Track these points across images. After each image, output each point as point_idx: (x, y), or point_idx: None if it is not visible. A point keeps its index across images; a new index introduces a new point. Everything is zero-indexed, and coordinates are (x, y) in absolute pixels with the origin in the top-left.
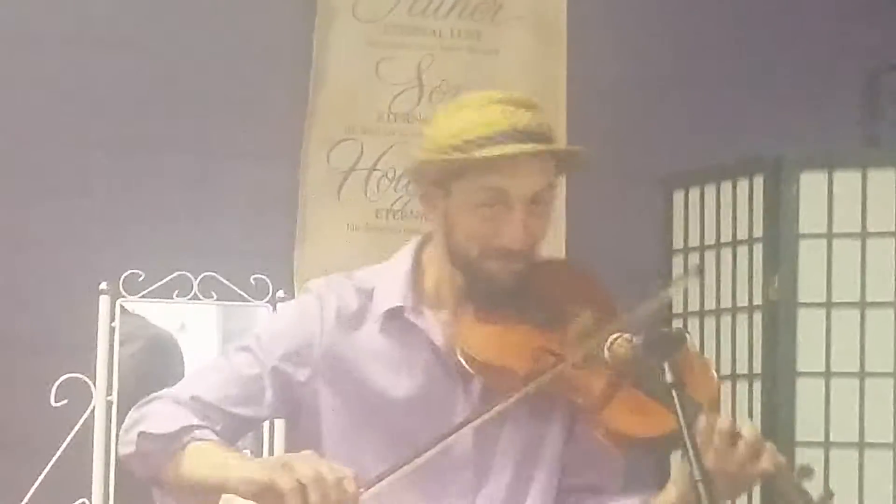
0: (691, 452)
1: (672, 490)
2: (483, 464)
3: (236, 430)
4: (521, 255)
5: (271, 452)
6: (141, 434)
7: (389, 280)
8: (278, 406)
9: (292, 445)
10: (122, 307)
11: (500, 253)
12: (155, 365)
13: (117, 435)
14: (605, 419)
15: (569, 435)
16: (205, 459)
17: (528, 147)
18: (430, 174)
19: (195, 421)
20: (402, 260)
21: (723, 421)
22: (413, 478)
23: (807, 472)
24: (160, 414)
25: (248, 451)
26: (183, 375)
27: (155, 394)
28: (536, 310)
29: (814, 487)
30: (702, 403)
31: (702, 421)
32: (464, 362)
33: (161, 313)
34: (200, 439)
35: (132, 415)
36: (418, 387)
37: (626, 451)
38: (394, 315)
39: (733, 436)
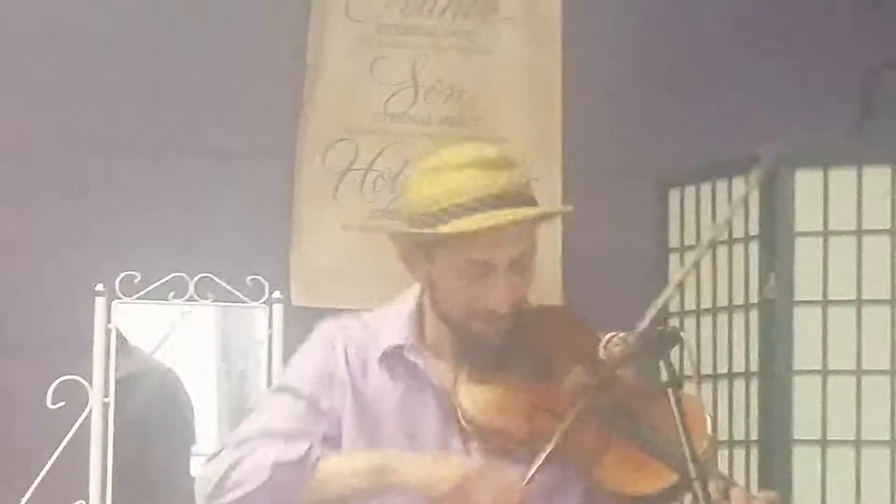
0: (686, 451)
1: None
2: None
3: None
4: (508, 315)
5: None
6: (276, 465)
7: (392, 321)
8: (327, 431)
9: None
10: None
11: (486, 315)
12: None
13: (114, 436)
14: (599, 475)
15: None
16: (349, 466)
17: (504, 215)
18: (409, 243)
19: (309, 441)
20: (405, 303)
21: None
22: None
23: None
24: (269, 446)
25: None
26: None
27: (229, 441)
28: (527, 364)
29: None
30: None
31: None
32: (465, 425)
33: (157, 315)
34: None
35: (224, 461)
36: (417, 426)
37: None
38: (394, 353)
39: None
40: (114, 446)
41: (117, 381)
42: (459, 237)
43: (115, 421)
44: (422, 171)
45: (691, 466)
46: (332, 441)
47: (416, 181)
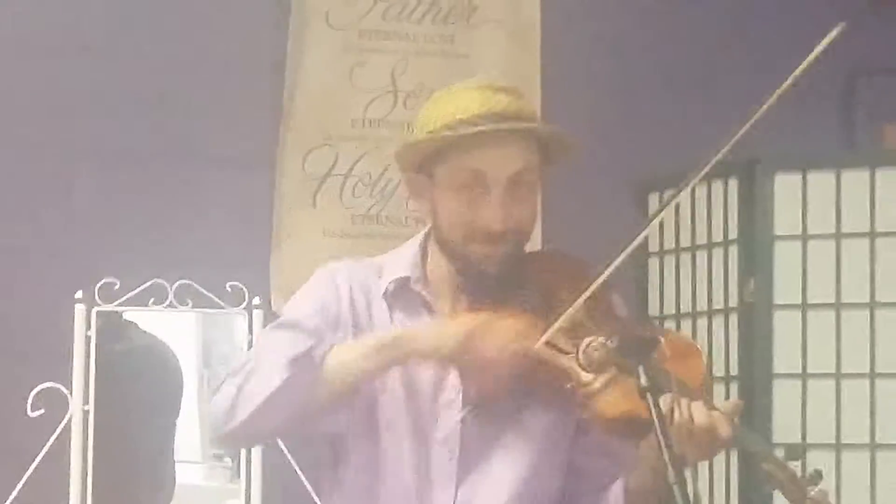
0: (666, 455)
1: (648, 475)
2: (468, 453)
3: None
4: (504, 237)
5: (248, 463)
6: (293, 361)
7: (397, 259)
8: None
9: None
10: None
11: (483, 236)
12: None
13: (94, 444)
14: (592, 403)
15: (572, 422)
16: (358, 351)
17: (496, 126)
18: (413, 159)
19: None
20: (410, 244)
21: (682, 411)
22: (393, 465)
23: (794, 452)
24: (277, 348)
25: (228, 460)
26: (181, 387)
27: (228, 373)
28: (527, 297)
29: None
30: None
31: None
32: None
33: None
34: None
35: (231, 385)
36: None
37: (616, 433)
38: (400, 285)
39: (689, 425)
40: (98, 424)
41: (113, 353)
42: (458, 147)
43: (101, 398)
44: (431, 99)
45: (671, 471)
46: None
47: (424, 107)
